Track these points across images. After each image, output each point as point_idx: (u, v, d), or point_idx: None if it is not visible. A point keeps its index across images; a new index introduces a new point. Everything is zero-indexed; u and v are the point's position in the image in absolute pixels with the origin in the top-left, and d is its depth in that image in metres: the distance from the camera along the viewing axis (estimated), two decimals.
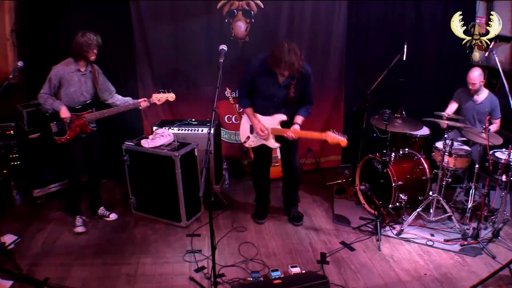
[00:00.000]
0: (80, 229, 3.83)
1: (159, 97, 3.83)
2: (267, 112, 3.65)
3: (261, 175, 4.05)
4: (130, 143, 3.95)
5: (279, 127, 3.64)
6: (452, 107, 4.39)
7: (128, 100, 3.88)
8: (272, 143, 3.72)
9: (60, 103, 3.56)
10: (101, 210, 4.08)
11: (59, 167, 4.24)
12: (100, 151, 3.96)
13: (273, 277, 3.07)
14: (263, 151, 3.84)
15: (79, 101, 3.64)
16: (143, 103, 3.77)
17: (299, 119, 3.64)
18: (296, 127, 3.60)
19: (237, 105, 4.79)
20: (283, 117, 3.62)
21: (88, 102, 3.69)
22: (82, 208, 3.99)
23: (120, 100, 3.86)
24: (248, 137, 3.79)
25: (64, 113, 3.55)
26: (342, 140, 3.39)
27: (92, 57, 3.57)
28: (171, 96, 3.87)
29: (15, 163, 4.33)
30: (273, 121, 3.65)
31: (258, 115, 3.69)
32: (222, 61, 3.03)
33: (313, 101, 3.75)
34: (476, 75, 4.08)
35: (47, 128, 3.62)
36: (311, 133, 3.65)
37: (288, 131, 3.55)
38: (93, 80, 3.69)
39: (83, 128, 3.68)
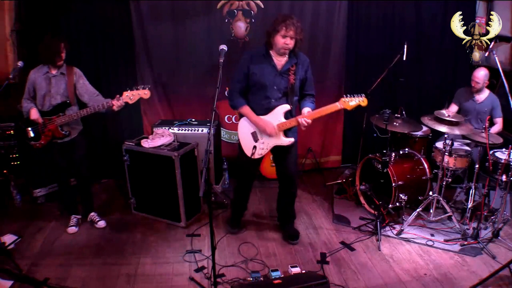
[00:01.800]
0: (71, 229, 3.81)
1: (130, 95, 3.42)
2: (267, 106, 3.31)
3: (245, 184, 3.75)
4: (130, 143, 3.95)
5: (284, 119, 3.30)
6: (452, 109, 4.39)
7: (99, 101, 3.55)
8: (283, 140, 3.34)
9: (30, 106, 3.50)
10: (92, 216, 3.96)
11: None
12: (83, 155, 3.77)
13: (273, 277, 3.07)
14: (253, 161, 3.50)
15: (51, 104, 3.51)
16: (115, 102, 3.40)
17: (306, 110, 3.31)
18: (306, 110, 3.29)
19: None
20: (287, 106, 3.29)
21: (58, 104, 3.51)
22: (78, 208, 3.98)
23: (96, 101, 3.56)
24: (255, 147, 3.38)
25: (33, 114, 3.45)
26: (362, 100, 3.13)
27: (60, 63, 3.48)
28: (144, 93, 3.42)
29: (15, 163, 4.33)
30: (276, 116, 3.31)
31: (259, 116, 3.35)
32: (222, 61, 3.02)
33: (314, 94, 3.47)
34: (482, 75, 4.08)
35: (24, 133, 3.55)
36: (325, 108, 3.22)
37: (299, 117, 3.23)
38: (67, 82, 3.51)
39: (55, 133, 3.53)
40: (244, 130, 3.45)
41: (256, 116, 3.34)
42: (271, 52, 3.29)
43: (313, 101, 3.43)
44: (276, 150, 3.45)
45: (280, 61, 3.29)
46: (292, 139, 3.36)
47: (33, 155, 4.21)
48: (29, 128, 3.54)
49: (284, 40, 3.16)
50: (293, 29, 3.13)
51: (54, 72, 3.52)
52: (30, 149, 4.06)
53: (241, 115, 3.45)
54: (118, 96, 3.44)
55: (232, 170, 4.93)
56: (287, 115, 3.33)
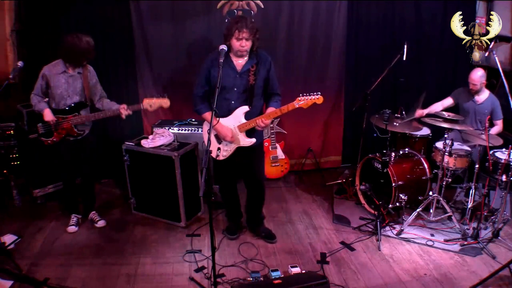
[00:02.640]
0: (71, 229, 3.82)
1: (151, 103, 3.50)
2: (228, 108, 3.32)
3: (227, 189, 3.75)
4: (130, 143, 3.95)
5: (245, 120, 3.31)
6: (446, 101, 4.38)
7: (112, 106, 3.63)
8: (245, 140, 3.37)
9: (45, 106, 3.48)
10: (92, 215, 3.98)
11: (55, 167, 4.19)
12: (92, 154, 3.82)
13: (273, 277, 3.07)
14: (226, 162, 3.50)
15: (66, 103, 3.52)
16: (122, 110, 3.49)
17: (270, 110, 3.32)
18: (269, 110, 3.31)
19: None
20: (245, 108, 3.30)
21: (75, 104, 3.55)
22: (79, 208, 3.98)
23: (105, 105, 3.66)
24: (219, 149, 3.41)
25: (47, 116, 3.45)
26: (317, 97, 3.15)
27: (85, 63, 3.49)
28: (164, 102, 3.53)
29: (15, 163, 4.33)
30: (236, 117, 3.32)
31: (220, 119, 3.31)
32: (222, 61, 3.02)
33: (280, 93, 3.44)
34: (478, 76, 4.07)
35: (34, 129, 3.56)
36: (280, 109, 3.25)
37: (257, 119, 3.25)
38: (83, 82, 3.54)
39: (70, 132, 3.56)
40: (206, 134, 3.41)
41: (216, 123, 3.28)
42: (230, 54, 3.28)
43: (278, 99, 3.41)
44: (242, 154, 3.44)
45: (239, 62, 3.30)
46: (253, 140, 3.38)
47: (33, 155, 4.22)
48: (40, 124, 3.54)
49: (240, 43, 3.16)
50: (246, 30, 3.13)
51: (71, 71, 3.51)
52: (31, 148, 4.11)
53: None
54: (125, 106, 3.51)
55: None
56: (248, 116, 3.33)
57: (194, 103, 3.46)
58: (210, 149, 3.30)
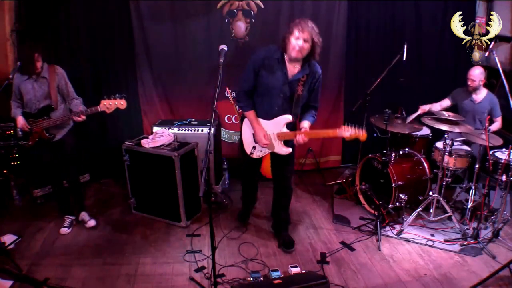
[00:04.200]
0: (63, 230, 3.81)
1: (107, 105, 3.47)
2: (270, 112, 3.26)
3: (248, 182, 3.84)
4: (130, 143, 3.95)
5: (286, 130, 3.26)
6: (444, 102, 4.39)
7: (76, 108, 3.59)
8: (281, 149, 3.33)
9: (18, 113, 3.55)
10: (82, 215, 3.97)
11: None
12: (73, 155, 3.78)
13: (273, 277, 3.07)
14: (253, 163, 3.58)
15: (36, 108, 3.54)
16: (75, 118, 3.48)
17: (305, 123, 3.26)
18: (305, 124, 3.25)
19: (237, 106, 4.79)
20: (289, 118, 3.22)
21: (42, 108, 3.55)
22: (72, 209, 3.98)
23: (73, 107, 3.63)
24: (254, 147, 3.40)
25: (18, 123, 3.53)
26: (361, 134, 2.99)
27: (36, 71, 3.47)
28: (121, 104, 3.48)
29: (15, 163, 4.33)
30: (278, 124, 3.26)
31: (261, 120, 3.30)
32: (222, 61, 3.02)
33: (318, 107, 3.41)
34: (477, 73, 4.08)
35: (14, 134, 3.64)
36: (324, 131, 3.28)
37: (298, 134, 3.17)
38: (49, 85, 3.53)
39: (41, 135, 3.57)
40: (247, 130, 3.44)
41: (257, 124, 3.30)
42: (285, 57, 3.17)
43: (314, 114, 3.35)
44: (275, 156, 3.46)
45: (293, 69, 3.19)
46: (289, 149, 3.34)
47: (32, 155, 4.21)
48: (18, 129, 3.60)
49: (297, 42, 3.05)
50: (308, 31, 3.02)
51: (34, 77, 3.52)
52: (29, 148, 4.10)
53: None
54: (82, 110, 3.49)
55: (232, 170, 4.93)
56: (288, 125, 3.28)
57: (238, 98, 3.45)
58: (244, 145, 3.45)
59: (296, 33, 3.04)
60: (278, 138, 3.30)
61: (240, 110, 3.46)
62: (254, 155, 3.43)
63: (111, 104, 3.47)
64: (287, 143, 3.34)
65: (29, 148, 3.63)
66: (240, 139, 3.54)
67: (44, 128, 3.55)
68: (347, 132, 3.01)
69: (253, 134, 3.38)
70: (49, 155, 3.69)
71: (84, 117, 3.50)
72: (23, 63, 3.42)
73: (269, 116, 3.28)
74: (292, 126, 3.32)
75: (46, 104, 3.56)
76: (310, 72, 3.22)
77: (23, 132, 3.58)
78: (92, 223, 3.94)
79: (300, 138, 3.16)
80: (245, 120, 3.43)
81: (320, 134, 3.32)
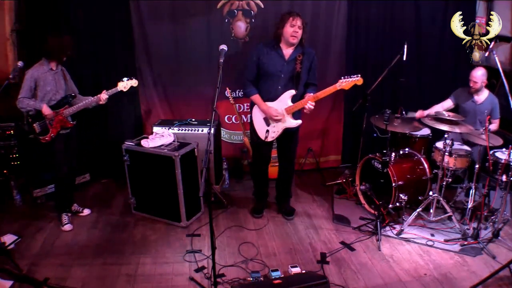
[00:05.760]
0: (68, 227, 3.86)
1: (124, 85, 3.82)
2: (275, 93, 3.64)
3: (260, 170, 4.09)
4: (130, 143, 3.95)
5: (291, 103, 3.62)
6: (446, 103, 4.38)
7: (86, 99, 3.83)
8: (292, 122, 3.68)
9: (41, 102, 3.62)
10: (75, 207, 4.11)
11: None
12: (77, 146, 4.00)
13: (273, 277, 3.07)
14: (264, 150, 3.91)
15: (56, 99, 3.70)
16: (102, 96, 3.73)
17: (309, 93, 3.65)
18: (308, 95, 3.59)
19: (237, 105, 4.80)
20: (292, 92, 3.61)
21: (64, 97, 3.74)
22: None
23: (81, 99, 3.84)
24: (267, 131, 3.74)
25: (46, 110, 3.61)
26: (357, 79, 3.40)
27: (65, 59, 3.69)
28: (135, 82, 3.88)
29: (15, 163, 4.33)
30: (283, 101, 3.63)
31: (267, 103, 3.67)
32: (222, 61, 3.02)
33: (317, 85, 3.75)
34: (479, 74, 4.07)
35: (31, 130, 3.66)
36: (326, 90, 3.52)
37: (304, 100, 3.55)
38: (63, 77, 3.76)
39: (63, 124, 3.71)
40: (258, 116, 3.80)
41: (264, 104, 3.67)
42: (281, 44, 3.62)
43: (315, 89, 3.70)
44: (283, 135, 3.76)
45: (287, 51, 3.62)
46: (299, 121, 3.70)
47: (33, 155, 4.22)
48: (36, 124, 3.65)
49: (293, 29, 3.50)
50: (300, 19, 3.51)
51: (54, 68, 3.68)
52: (31, 148, 4.11)
53: (253, 103, 3.79)
54: (105, 90, 3.76)
55: (232, 170, 4.94)
56: (294, 99, 3.63)
57: (244, 86, 3.81)
58: (257, 131, 3.82)
59: (291, 20, 3.51)
60: (287, 113, 3.65)
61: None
62: (269, 138, 3.75)
63: (127, 84, 3.83)
64: (296, 116, 3.70)
65: (46, 143, 3.69)
66: (252, 127, 3.88)
67: (66, 116, 3.71)
68: (344, 82, 3.44)
69: (264, 118, 3.74)
70: (63, 146, 3.79)
71: (107, 97, 3.74)
72: (60, 49, 3.60)
73: (275, 98, 3.66)
74: (297, 101, 3.64)
75: (65, 94, 3.76)
76: (305, 52, 3.62)
77: (41, 126, 3.64)
78: (87, 211, 4.12)
79: (308, 104, 3.54)
80: (254, 107, 3.80)
81: (323, 94, 3.54)
